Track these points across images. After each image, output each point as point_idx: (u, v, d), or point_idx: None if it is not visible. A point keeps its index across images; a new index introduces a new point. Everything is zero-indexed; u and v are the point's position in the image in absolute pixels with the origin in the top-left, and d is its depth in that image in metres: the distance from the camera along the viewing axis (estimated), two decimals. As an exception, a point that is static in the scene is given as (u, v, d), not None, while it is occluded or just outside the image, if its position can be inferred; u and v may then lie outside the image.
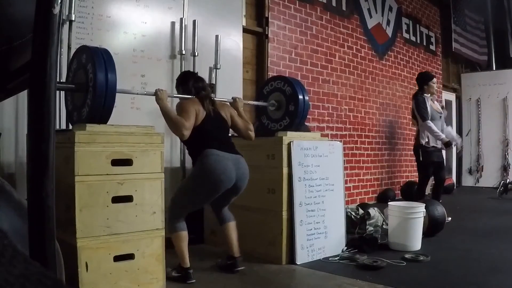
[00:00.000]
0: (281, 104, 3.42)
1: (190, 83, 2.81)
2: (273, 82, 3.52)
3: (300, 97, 3.31)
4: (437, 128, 4.63)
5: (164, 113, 2.61)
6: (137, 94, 3.00)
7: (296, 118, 3.32)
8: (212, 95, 3.06)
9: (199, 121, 2.63)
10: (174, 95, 2.92)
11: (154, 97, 2.68)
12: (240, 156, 2.74)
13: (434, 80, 4.96)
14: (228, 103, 3.05)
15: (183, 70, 3.92)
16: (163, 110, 2.61)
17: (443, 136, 4.58)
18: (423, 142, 4.66)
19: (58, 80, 3.13)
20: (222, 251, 3.31)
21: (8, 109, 2.97)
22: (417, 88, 5.06)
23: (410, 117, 5.65)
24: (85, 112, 2.31)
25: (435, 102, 5.00)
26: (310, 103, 3.58)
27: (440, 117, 4.83)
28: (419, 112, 4.65)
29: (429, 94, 4.83)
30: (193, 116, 2.59)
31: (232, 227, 2.89)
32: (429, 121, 4.57)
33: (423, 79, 4.92)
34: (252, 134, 2.95)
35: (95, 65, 2.24)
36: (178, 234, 2.65)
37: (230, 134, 2.98)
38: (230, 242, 2.86)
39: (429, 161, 4.67)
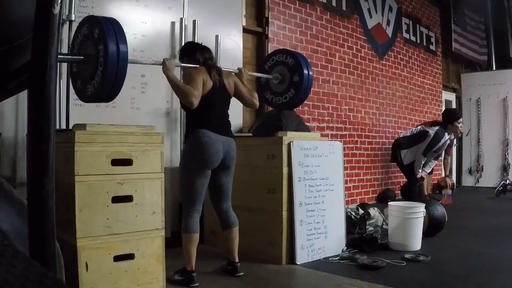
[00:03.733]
0: (284, 77, 3.33)
1: (197, 53, 2.74)
2: (274, 56, 3.45)
3: (304, 66, 3.25)
4: (431, 159, 4.90)
5: (172, 82, 2.59)
6: (145, 64, 2.86)
7: (301, 89, 3.24)
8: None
9: (206, 91, 2.60)
10: (182, 64, 2.80)
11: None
12: (231, 138, 2.75)
13: (461, 120, 4.83)
14: (233, 73, 2.99)
15: (183, 70, 3.92)
16: (171, 79, 2.58)
17: (420, 175, 4.82)
18: (405, 161, 5.03)
19: (58, 76, 3.13)
20: (222, 251, 3.31)
21: (8, 109, 2.97)
22: (417, 88, 5.08)
23: (419, 123, 5.85)
24: (95, 84, 2.19)
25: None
26: (311, 89, 3.46)
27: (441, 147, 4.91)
28: (427, 146, 4.63)
29: (452, 134, 4.77)
30: (201, 85, 2.56)
31: (235, 233, 2.84)
32: (424, 158, 4.71)
33: (450, 118, 4.77)
34: (256, 102, 2.90)
35: (106, 35, 2.12)
36: (189, 236, 2.61)
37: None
38: (232, 248, 2.82)
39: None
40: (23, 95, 2.82)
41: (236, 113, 4.43)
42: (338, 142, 3.61)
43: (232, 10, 4.34)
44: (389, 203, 3.75)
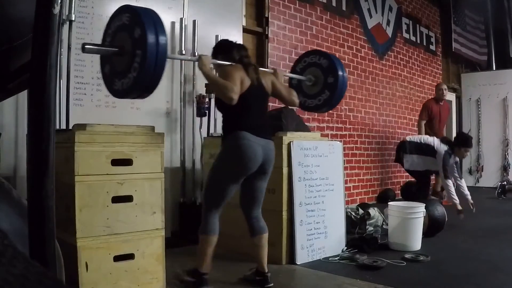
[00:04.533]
0: (318, 79, 3.20)
1: (234, 51, 2.61)
2: (306, 58, 3.30)
3: (339, 67, 3.13)
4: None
5: (210, 78, 2.46)
6: (181, 59, 2.75)
7: (336, 90, 3.11)
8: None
9: (243, 90, 2.44)
10: (218, 61, 2.61)
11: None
12: (271, 141, 2.59)
13: (470, 149, 4.83)
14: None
15: (183, 70, 3.93)
16: (208, 75, 2.45)
17: (457, 201, 4.49)
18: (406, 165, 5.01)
19: (58, 78, 3.13)
20: (222, 251, 3.31)
21: (8, 109, 2.97)
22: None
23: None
24: (131, 78, 2.05)
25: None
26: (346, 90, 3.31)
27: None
28: (443, 169, 4.60)
29: (457, 157, 4.78)
30: (239, 82, 2.41)
31: (264, 240, 2.67)
32: (449, 181, 4.56)
33: (462, 143, 4.75)
34: (296, 99, 2.78)
35: (145, 25, 1.98)
36: (208, 237, 2.49)
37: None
38: (261, 257, 2.64)
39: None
40: (23, 95, 2.82)
41: (236, 113, 4.44)
42: (338, 142, 3.61)
43: (232, 10, 4.35)
44: (389, 203, 3.75)
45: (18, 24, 1.01)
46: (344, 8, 5.81)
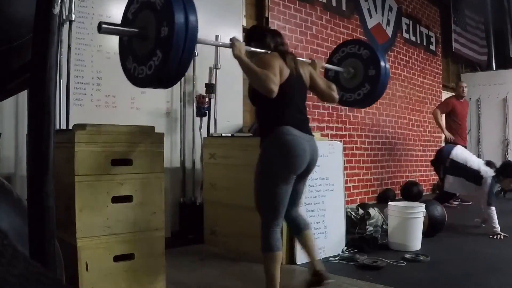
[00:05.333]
0: (357, 71, 2.98)
1: (268, 38, 2.35)
2: (344, 48, 3.08)
3: (381, 58, 2.90)
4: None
5: (246, 66, 2.14)
6: (212, 44, 2.43)
7: (378, 84, 2.89)
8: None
9: (282, 80, 2.17)
10: (252, 49, 2.34)
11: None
12: (313, 136, 2.36)
13: None
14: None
15: (183, 70, 3.92)
16: (244, 63, 2.14)
17: (498, 229, 4.21)
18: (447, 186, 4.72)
19: (58, 76, 3.12)
20: (222, 251, 3.31)
21: (8, 109, 2.98)
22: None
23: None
24: (154, 64, 1.84)
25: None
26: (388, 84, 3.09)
27: None
28: (488, 196, 4.52)
29: (499, 186, 4.71)
30: (278, 72, 2.14)
31: (310, 237, 2.43)
32: (493, 208, 4.36)
33: (508, 173, 4.57)
34: (336, 95, 2.49)
35: (171, 3, 1.74)
36: (273, 255, 2.19)
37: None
38: (312, 255, 2.40)
39: None
40: (23, 95, 2.82)
41: (236, 113, 4.44)
42: (338, 142, 3.61)
43: (232, 10, 4.35)
44: (389, 203, 3.75)
45: (18, 24, 1.01)
46: (344, 8, 5.81)
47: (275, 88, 2.06)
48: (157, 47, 1.80)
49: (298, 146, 2.18)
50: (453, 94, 6.36)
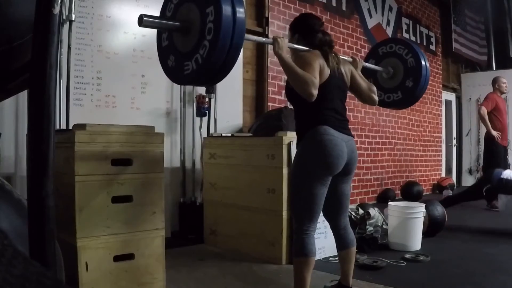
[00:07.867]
0: (396, 74, 2.91)
1: (318, 36, 2.26)
2: (393, 44, 3.00)
3: (424, 74, 2.79)
4: None
5: (287, 66, 2.05)
6: (254, 41, 2.37)
7: (410, 97, 2.83)
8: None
9: (322, 80, 2.11)
10: (295, 46, 2.24)
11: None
12: (352, 137, 2.28)
13: None
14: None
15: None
16: (285, 62, 2.06)
17: None
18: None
19: (57, 74, 3.12)
20: (222, 251, 3.31)
21: (8, 109, 2.98)
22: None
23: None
24: (199, 59, 1.75)
25: None
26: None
27: None
28: None
29: None
30: (318, 73, 2.07)
31: (352, 254, 2.34)
32: None
33: None
34: (376, 97, 2.41)
35: None
36: (306, 260, 2.12)
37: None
38: (347, 270, 2.34)
39: None
40: (23, 95, 2.82)
41: (236, 113, 4.44)
42: (338, 142, 3.60)
43: (232, 10, 4.34)
44: (389, 203, 3.75)
45: (18, 24, 1.01)
46: (344, 8, 5.82)
47: (315, 92, 1.99)
48: (202, 40, 1.72)
49: (336, 146, 2.12)
50: (492, 91, 5.89)
